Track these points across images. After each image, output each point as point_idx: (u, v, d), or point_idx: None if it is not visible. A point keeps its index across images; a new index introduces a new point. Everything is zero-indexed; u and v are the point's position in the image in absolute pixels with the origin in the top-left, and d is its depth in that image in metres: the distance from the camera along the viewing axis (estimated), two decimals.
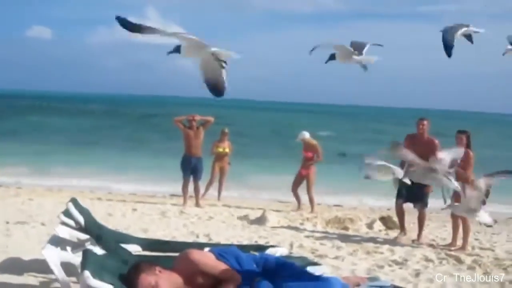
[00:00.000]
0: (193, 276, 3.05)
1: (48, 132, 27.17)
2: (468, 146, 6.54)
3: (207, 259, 3.11)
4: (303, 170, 9.64)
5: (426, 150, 6.41)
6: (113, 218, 7.48)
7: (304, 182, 9.66)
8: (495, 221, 5.98)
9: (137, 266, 3.01)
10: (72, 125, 32.16)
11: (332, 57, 4.49)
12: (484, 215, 5.73)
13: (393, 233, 7.43)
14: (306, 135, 9.66)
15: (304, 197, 9.78)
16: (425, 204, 6.97)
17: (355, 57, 4.47)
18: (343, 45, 4.39)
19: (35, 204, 8.65)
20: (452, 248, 6.56)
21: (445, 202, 6.18)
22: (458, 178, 5.95)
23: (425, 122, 6.98)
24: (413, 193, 6.84)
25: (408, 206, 7.28)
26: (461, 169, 6.17)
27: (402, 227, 7.21)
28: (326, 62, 4.59)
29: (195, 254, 3.12)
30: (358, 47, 4.62)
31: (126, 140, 25.26)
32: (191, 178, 9.46)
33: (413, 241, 6.96)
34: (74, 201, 3.94)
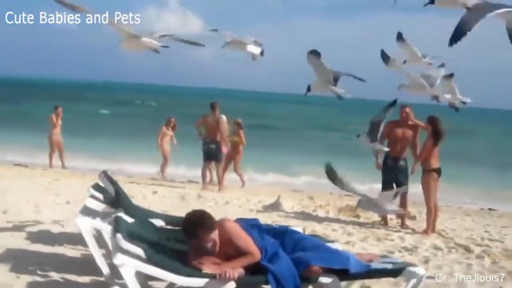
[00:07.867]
0: (224, 245, 3.17)
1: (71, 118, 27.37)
2: (434, 134, 6.73)
3: (239, 231, 3.22)
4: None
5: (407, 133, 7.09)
6: (134, 200, 7.71)
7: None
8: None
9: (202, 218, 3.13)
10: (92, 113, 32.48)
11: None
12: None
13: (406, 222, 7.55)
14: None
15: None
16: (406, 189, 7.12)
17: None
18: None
19: (62, 185, 9.01)
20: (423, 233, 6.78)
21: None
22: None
23: (407, 110, 7.21)
24: (396, 180, 7.10)
25: (417, 197, 7.41)
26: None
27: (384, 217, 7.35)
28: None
29: (230, 224, 3.23)
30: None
31: (142, 126, 25.57)
32: (212, 163, 9.82)
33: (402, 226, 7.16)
34: (105, 173, 4.21)
